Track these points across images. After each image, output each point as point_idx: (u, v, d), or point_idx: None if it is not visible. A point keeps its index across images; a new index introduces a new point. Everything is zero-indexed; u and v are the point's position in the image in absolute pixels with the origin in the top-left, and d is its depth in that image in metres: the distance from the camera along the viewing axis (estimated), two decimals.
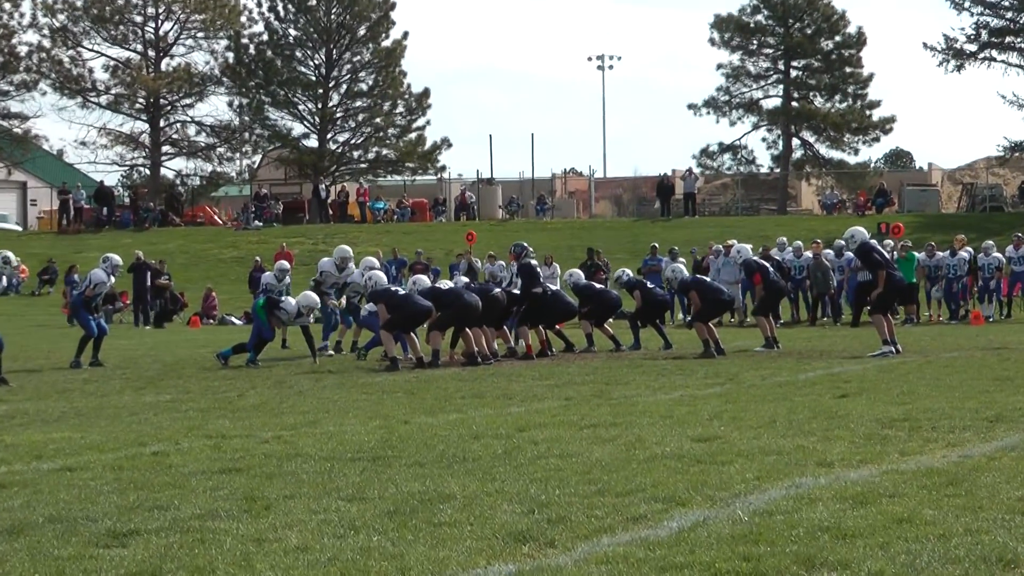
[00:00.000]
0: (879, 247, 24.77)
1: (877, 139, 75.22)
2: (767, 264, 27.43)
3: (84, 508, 9.36)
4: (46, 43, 77.42)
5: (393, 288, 23.70)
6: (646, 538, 8.04)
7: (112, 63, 78.09)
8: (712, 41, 74.88)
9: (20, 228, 77.77)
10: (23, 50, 77.69)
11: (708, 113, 75.46)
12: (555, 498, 9.36)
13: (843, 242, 25.76)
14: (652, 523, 8.51)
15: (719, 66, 75.31)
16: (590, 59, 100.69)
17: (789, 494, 9.32)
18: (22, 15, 77.68)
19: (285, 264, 29.94)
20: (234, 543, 8.18)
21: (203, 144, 79.47)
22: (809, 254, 37.13)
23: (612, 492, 9.56)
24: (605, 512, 8.86)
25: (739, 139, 76.54)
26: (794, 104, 74.84)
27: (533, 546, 7.98)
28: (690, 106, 75.78)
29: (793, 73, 74.93)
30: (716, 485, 9.72)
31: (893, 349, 22.60)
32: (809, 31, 73.99)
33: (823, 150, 76.15)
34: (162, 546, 8.14)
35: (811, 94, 75.31)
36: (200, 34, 78.73)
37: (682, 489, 9.55)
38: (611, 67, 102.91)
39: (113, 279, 25.93)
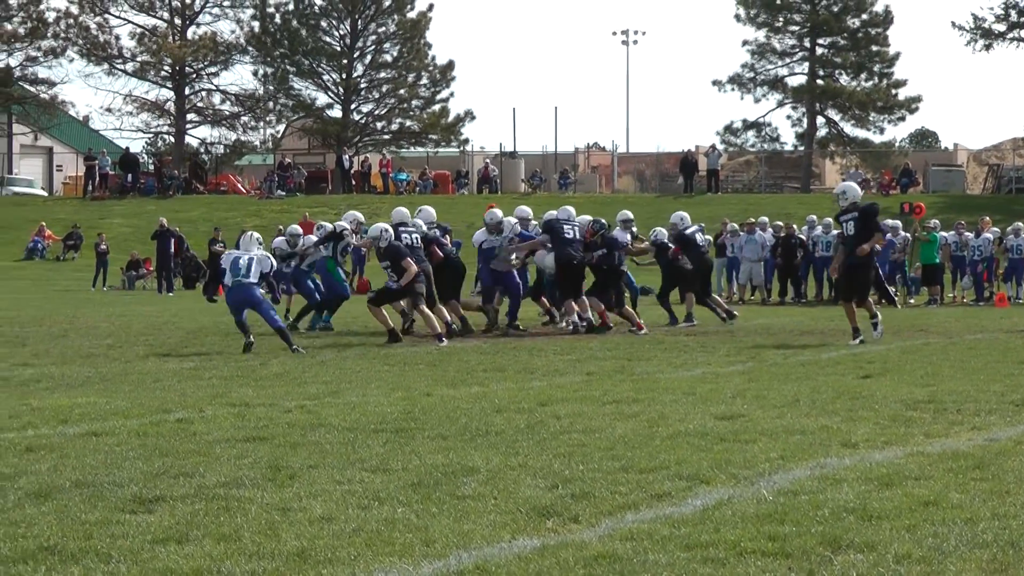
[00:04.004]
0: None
1: (903, 118, 74.90)
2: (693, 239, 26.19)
3: (110, 473, 9.39)
4: (73, 9, 77.52)
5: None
6: (670, 515, 8.04)
7: (138, 30, 78.19)
8: (738, 17, 74.60)
9: (45, 193, 77.99)
10: (51, 16, 77.83)
11: (732, 90, 75.27)
12: (579, 473, 9.37)
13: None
14: (676, 500, 8.51)
15: (744, 42, 75.09)
16: (614, 33, 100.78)
17: (814, 474, 9.31)
18: None
19: (360, 213, 29.05)
20: (259, 511, 8.20)
21: (227, 113, 79.55)
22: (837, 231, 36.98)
23: (636, 468, 9.56)
24: (629, 488, 8.86)
25: (763, 116, 76.24)
26: (819, 82, 74.53)
27: (557, 521, 7.99)
28: (714, 82, 75.59)
29: (819, 51, 74.60)
30: (740, 464, 9.71)
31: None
32: (835, 8, 73.61)
33: (848, 128, 75.89)
34: (188, 513, 8.16)
35: (836, 72, 75.01)
36: (226, 2, 78.78)
37: (706, 467, 9.54)
38: (635, 42, 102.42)
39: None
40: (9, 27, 77.42)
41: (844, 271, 21.36)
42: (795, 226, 38.43)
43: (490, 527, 7.80)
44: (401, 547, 7.32)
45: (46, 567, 6.95)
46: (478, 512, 8.17)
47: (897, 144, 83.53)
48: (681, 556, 7.10)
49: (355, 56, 76.66)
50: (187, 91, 78.34)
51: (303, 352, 19.60)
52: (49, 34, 77.37)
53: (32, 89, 78.90)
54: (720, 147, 71.70)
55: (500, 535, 7.61)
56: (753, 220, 38.69)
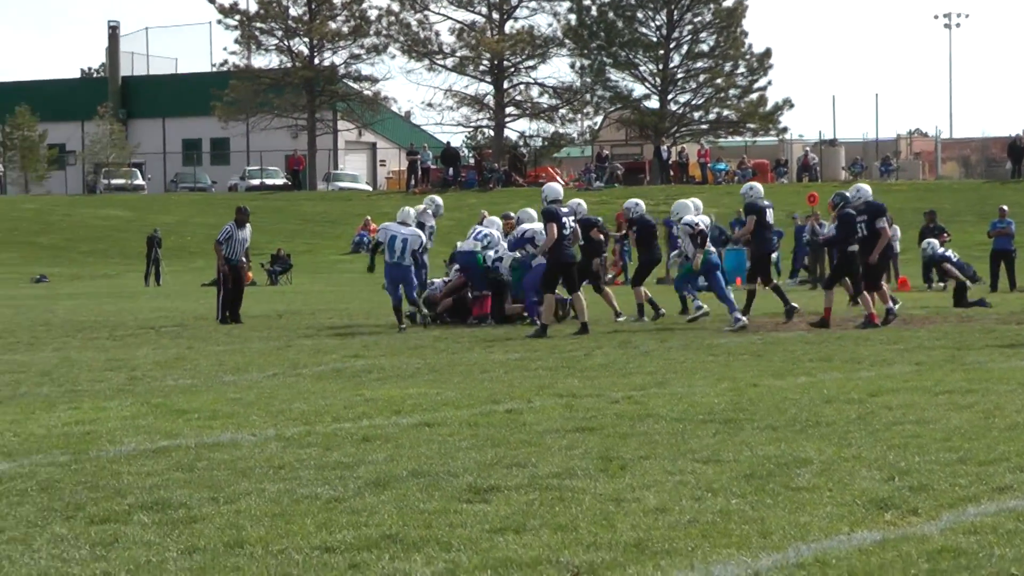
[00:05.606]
0: None
1: None
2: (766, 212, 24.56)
3: (445, 463, 9.55)
4: (395, 7, 79.38)
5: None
6: (1014, 509, 7.81)
7: (457, 26, 79.62)
8: None
9: (370, 188, 79.96)
10: (373, 14, 79.87)
11: None
12: (915, 465, 9.17)
13: None
14: (1019, 494, 8.26)
15: None
16: (936, 17, 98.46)
17: None
18: None
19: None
20: (593, 502, 8.23)
21: (545, 105, 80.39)
22: None
23: (974, 460, 9.31)
24: (968, 481, 8.64)
25: None
26: None
27: (895, 514, 7.83)
28: None
29: None
30: None
31: None
32: None
33: None
34: (523, 503, 8.24)
35: None
36: None
37: None
38: (958, 25, 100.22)
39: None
40: (334, 26, 79.67)
41: None
42: None
43: (827, 519, 7.69)
44: (738, 539, 7.27)
45: (389, 555, 7.09)
46: (814, 504, 8.06)
47: None
48: None
49: (671, 46, 76.61)
50: (505, 85, 79.39)
51: (405, 329, 22.61)
52: (372, 32, 79.45)
53: (356, 86, 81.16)
54: None
55: (838, 527, 7.50)
56: None
